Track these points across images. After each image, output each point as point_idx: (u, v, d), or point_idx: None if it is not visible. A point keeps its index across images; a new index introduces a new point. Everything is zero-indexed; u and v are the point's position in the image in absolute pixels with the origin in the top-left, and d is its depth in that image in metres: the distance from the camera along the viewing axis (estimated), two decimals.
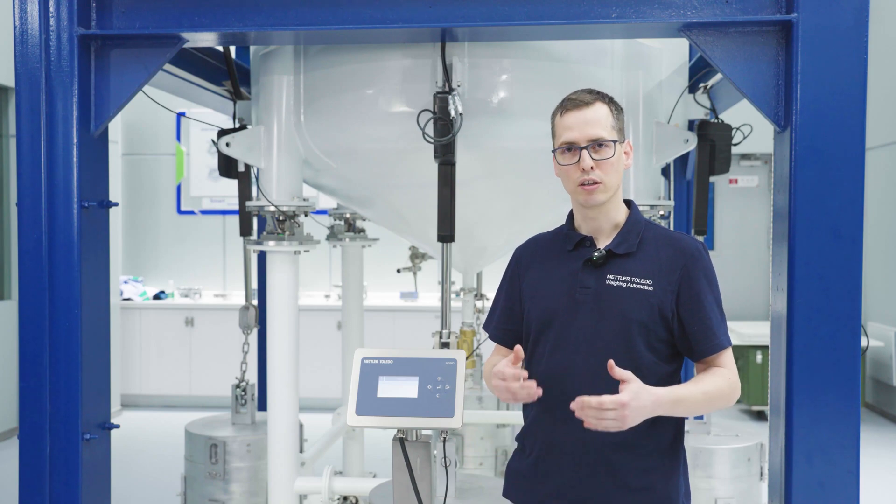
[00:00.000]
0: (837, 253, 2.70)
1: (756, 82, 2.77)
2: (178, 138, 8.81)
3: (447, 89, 3.06)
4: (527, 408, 2.27)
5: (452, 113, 3.00)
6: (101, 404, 3.07)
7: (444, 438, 3.03)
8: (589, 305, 2.10)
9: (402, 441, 2.38)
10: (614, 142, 2.11)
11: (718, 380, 2.08)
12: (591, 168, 2.07)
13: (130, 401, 8.13)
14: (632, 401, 1.89)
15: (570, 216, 2.26)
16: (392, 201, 3.78)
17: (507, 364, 2.02)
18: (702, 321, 2.09)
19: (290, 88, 3.42)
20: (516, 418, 4.69)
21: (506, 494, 2.33)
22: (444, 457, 2.72)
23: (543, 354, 2.16)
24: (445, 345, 2.98)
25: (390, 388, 2.34)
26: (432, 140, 3.02)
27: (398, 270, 4.81)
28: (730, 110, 4.17)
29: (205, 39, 2.99)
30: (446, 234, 3.09)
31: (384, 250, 5.46)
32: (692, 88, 3.96)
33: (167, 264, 8.86)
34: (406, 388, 2.34)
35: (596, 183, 2.09)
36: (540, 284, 2.20)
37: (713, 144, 3.61)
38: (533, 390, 2.01)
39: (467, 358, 4.31)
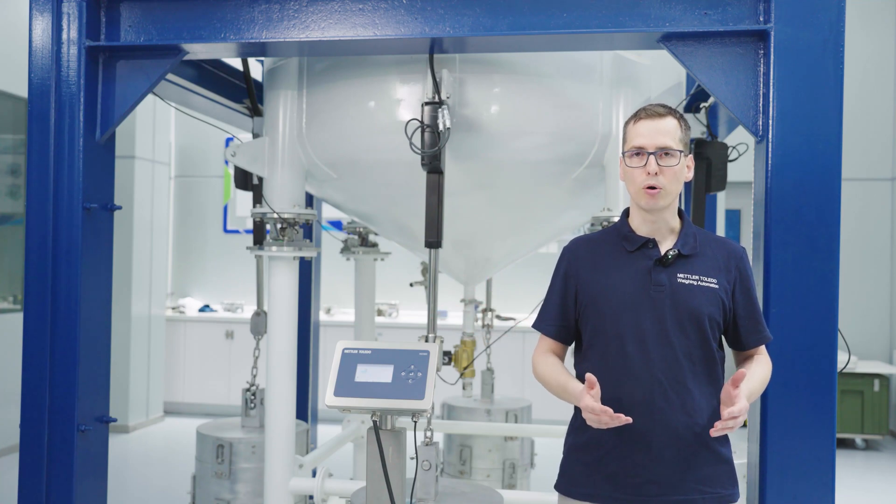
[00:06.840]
0: (813, 265, 2.67)
1: (734, 92, 2.78)
2: (227, 161, 9.09)
3: (437, 101, 3.13)
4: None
5: (441, 126, 3.07)
6: (99, 398, 3.19)
7: (426, 442, 3.07)
8: (664, 301, 2.23)
9: (375, 426, 2.47)
10: (679, 152, 2.25)
11: (765, 368, 2.34)
12: (656, 173, 2.21)
13: (173, 408, 8.40)
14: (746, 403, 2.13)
15: (624, 218, 2.37)
16: (393, 212, 3.86)
17: (590, 398, 2.13)
18: (752, 315, 2.32)
19: (293, 102, 3.55)
20: (524, 431, 4.71)
21: (566, 491, 2.36)
22: (417, 454, 2.75)
23: (612, 348, 2.26)
24: (426, 339, 3.05)
25: (367, 374, 2.48)
26: (419, 151, 3.09)
27: (411, 284, 4.88)
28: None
29: (203, 51, 3.13)
30: (433, 240, 3.15)
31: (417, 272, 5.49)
32: (691, 108, 3.96)
33: (213, 280, 9.16)
34: (382, 374, 2.47)
35: (659, 188, 2.22)
36: (603, 282, 2.30)
37: (709, 162, 3.62)
38: (623, 419, 2.12)
39: (465, 368, 4.35)
